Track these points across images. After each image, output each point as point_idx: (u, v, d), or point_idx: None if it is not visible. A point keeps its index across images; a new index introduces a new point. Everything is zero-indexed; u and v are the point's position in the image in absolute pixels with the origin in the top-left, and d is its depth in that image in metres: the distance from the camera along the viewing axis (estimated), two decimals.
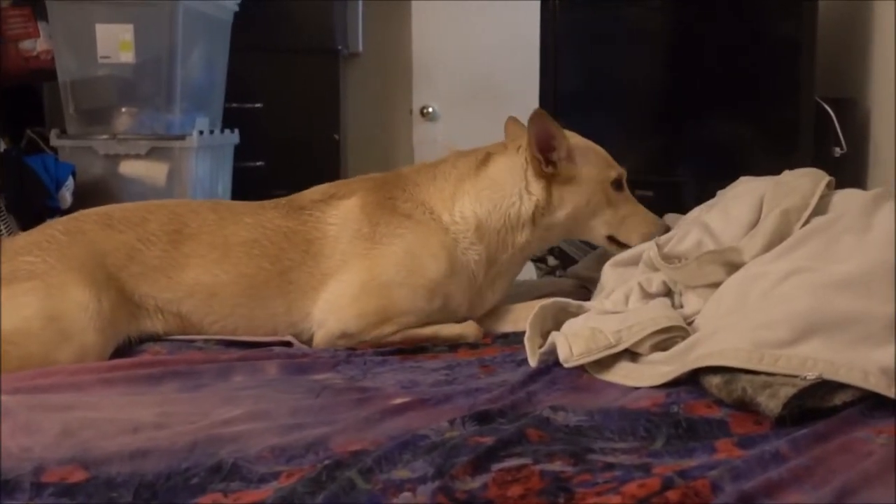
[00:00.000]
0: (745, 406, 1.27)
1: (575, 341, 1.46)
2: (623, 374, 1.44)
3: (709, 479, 1.05)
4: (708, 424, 1.25)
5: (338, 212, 1.84)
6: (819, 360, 1.27)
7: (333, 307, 1.77)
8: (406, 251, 1.80)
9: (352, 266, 1.79)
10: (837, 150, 2.45)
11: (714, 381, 1.32)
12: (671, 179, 2.71)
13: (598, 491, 1.06)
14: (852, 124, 2.51)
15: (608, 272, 1.81)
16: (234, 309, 1.77)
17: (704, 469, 1.09)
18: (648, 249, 1.70)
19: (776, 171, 1.78)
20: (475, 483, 1.08)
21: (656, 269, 1.66)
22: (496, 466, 1.12)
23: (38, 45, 3.28)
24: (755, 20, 2.57)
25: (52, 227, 1.80)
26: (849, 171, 2.46)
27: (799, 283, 1.39)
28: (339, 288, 1.78)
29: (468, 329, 1.81)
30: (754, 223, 1.62)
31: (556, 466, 1.12)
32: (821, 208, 1.59)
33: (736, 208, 1.68)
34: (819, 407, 1.24)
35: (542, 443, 1.20)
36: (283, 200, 1.90)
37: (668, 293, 1.65)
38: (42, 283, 1.66)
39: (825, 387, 1.25)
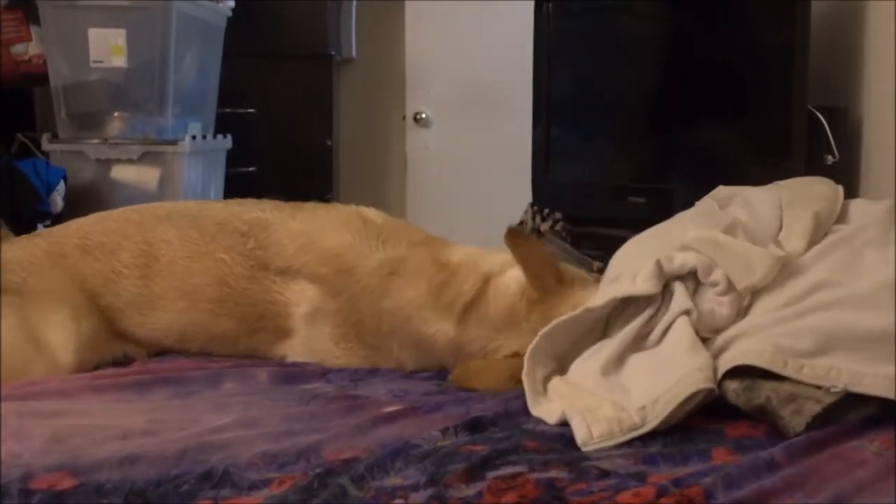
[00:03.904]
0: (763, 415, 1.26)
1: (594, 422, 1.29)
2: None
3: (702, 486, 1.05)
4: (703, 431, 1.25)
5: (301, 299, 1.72)
6: (843, 370, 1.25)
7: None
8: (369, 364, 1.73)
9: (311, 346, 1.74)
10: (829, 158, 2.46)
11: (732, 386, 1.29)
12: (663, 187, 2.71)
13: (593, 500, 1.06)
14: (844, 132, 2.51)
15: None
16: (207, 349, 1.76)
17: (699, 476, 1.09)
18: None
19: (768, 179, 1.78)
20: (469, 490, 1.08)
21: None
22: (491, 474, 1.12)
23: (30, 49, 3.27)
24: (748, 28, 2.58)
25: (37, 246, 1.77)
26: (841, 180, 2.44)
27: (827, 297, 1.36)
28: (306, 346, 1.73)
29: None
30: (779, 226, 1.56)
31: (551, 474, 1.12)
32: (841, 216, 1.57)
33: (762, 209, 1.61)
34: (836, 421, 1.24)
35: (536, 451, 1.19)
36: (252, 239, 1.75)
37: (684, 277, 1.46)
38: (22, 300, 1.66)
39: (846, 401, 1.24)
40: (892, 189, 2.27)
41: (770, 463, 1.12)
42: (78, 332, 1.66)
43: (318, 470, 1.13)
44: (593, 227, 2.78)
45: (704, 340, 1.39)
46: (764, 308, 1.41)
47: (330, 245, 1.73)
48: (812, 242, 1.50)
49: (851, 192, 2.25)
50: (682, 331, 1.39)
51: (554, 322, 1.46)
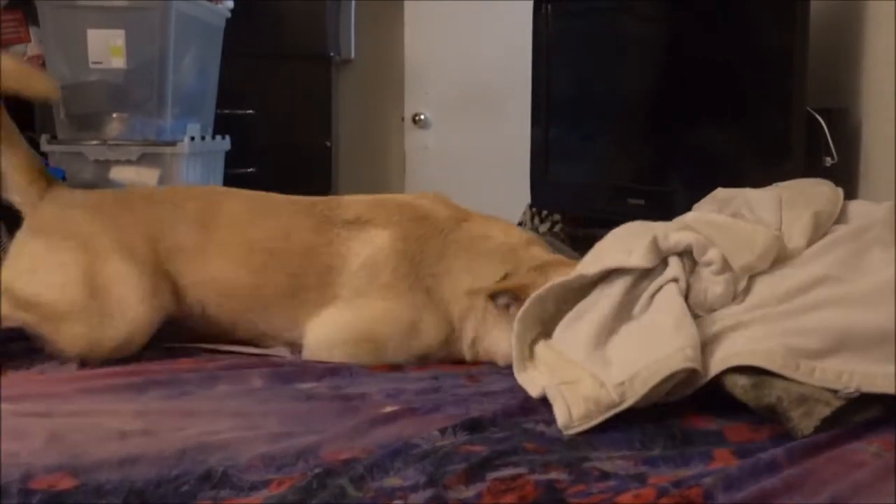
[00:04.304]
0: (772, 415, 1.25)
1: (574, 402, 1.30)
2: None
3: (702, 487, 1.06)
4: (704, 435, 1.25)
5: (365, 246, 1.76)
6: (856, 372, 1.25)
7: (324, 342, 1.72)
8: (412, 319, 1.72)
9: (353, 307, 1.73)
10: (828, 159, 2.46)
11: (740, 382, 1.28)
12: (662, 188, 2.71)
13: (593, 501, 1.06)
14: (843, 134, 2.51)
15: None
16: (242, 314, 1.76)
17: (700, 478, 1.09)
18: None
19: (767, 181, 1.78)
20: (469, 492, 1.08)
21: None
22: (491, 475, 1.12)
23: (29, 49, 3.26)
24: (747, 29, 2.58)
25: (105, 196, 1.84)
26: (839, 181, 2.44)
27: (832, 293, 1.36)
28: (335, 322, 1.73)
29: None
30: (779, 226, 1.56)
31: (552, 476, 1.12)
32: (840, 217, 1.57)
33: (762, 209, 1.61)
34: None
35: (536, 452, 1.20)
36: (320, 204, 1.83)
37: (681, 253, 1.46)
38: (83, 244, 1.70)
39: (853, 404, 1.24)
40: (891, 190, 2.27)
41: (771, 464, 1.12)
42: (141, 281, 1.69)
43: (317, 471, 1.13)
44: (592, 229, 2.78)
45: (697, 318, 1.39)
46: (763, 297, 1.41)
47: (404, 200, 1.87)
48: (811, 242, 1.50)
49: (850, 194, 2.25)
50: (670, 300, 1.39)
51: (546, 286, 1.48)
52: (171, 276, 1.75)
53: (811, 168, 2.37)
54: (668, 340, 1.32)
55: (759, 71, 2.51)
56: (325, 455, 1.20)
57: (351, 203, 1.83)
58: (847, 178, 2.50)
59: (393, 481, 1.12)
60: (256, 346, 1.78)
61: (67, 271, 1.68)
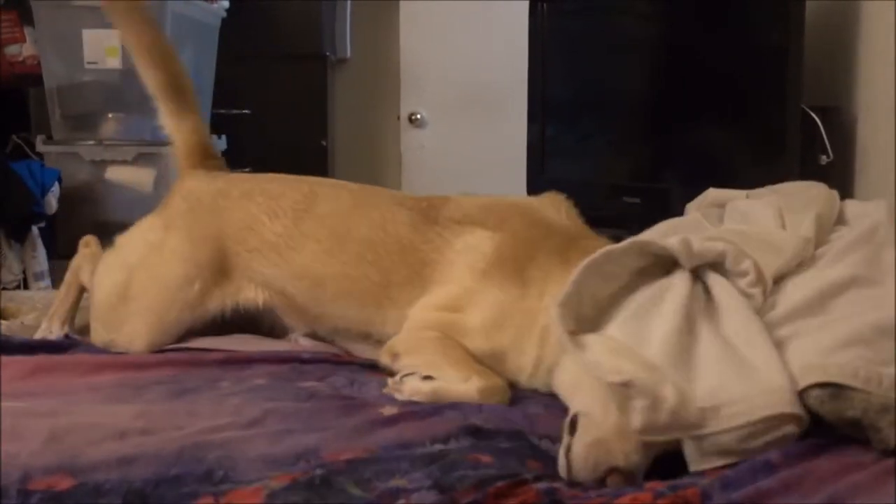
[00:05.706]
0: (853, 428, 1.17)
1: (656, 410, 1.19)
2: None
3: (699, 487, 1.06)
4: None
5: (468, 239, 1.66)
6: None
7: (409, 327, 1.63)
8: (498, 314, 1.57)
9: (442, 291, 1.64)
10: (823, 157, 2.46)
11: (814, 393, 1.19)
12: (658, 186, 2.72)
13: None
14: (838, 132, 2.52)
15: None
16: (332, 305, 1.72)
17: (696, 481, 1.09)
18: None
19: (763, 179, 1.78)
20: (471, 497, 1.07)
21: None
22: (494, 481, 1.10)
23: (24, 50, 3.27)
24: (742, 28, 2.58)
25: (212, 183, 1.86)
26: (835, 179, 2.47)
27: (866, 295, 1.30)
28: (422, 308, 1.64)
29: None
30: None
31: (554, 484, 1.11)
32: (838, 219, 1.53)
33: (761, 219, 1.56)
34: None
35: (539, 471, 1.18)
36: (425, 201, 1.76)
37: (712, 263, 1.37)
38: (165, 236, 1.79)
39: None
40: (888, 187, 2.28)
41: (767, 464, 1.12)
42: (188, 292, 1.74)
43: (318, 471, 1.13)
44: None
45: None
46: (794, 301, 1.32)
47: (514, 201, 1.78)
48: (817, 245, 1.44)
49: (846, 192, 2.26)
50: (756, 329, 1.28)
51: (578, 268, 1.35)
52: (249, 274, 1.75)
53: (807, 166, 2.38)
54: (768, 373, 1.22)
55: (755, 70, 2.52)
56: (325, 455, 1.19)
57: (461, 205, 1.74)
58: (842, 176, 2.50)
59: (397, 482, 1.11)
60: (333, 342, 1.76)
61: (116, 273, 1.79)
